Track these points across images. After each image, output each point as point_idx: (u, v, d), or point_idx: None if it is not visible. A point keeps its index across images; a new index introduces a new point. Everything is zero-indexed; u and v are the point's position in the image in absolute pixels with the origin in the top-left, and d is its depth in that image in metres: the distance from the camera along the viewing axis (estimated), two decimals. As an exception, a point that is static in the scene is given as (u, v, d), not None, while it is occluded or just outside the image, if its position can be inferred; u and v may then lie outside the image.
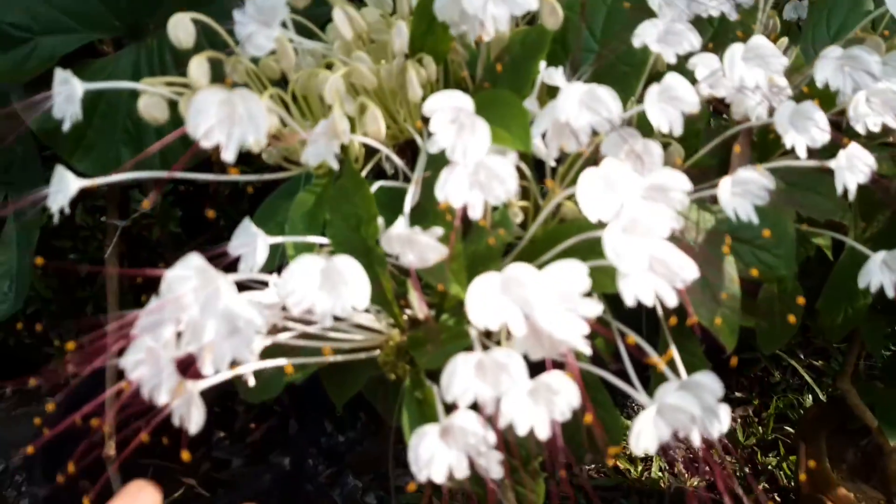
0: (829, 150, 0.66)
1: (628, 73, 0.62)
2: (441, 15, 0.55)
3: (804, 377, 1.82)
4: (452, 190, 0.49)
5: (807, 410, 1.74)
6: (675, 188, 0.49)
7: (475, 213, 0.51)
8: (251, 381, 0.57)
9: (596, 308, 0.45)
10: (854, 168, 0.59)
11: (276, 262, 0.60)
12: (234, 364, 0.56)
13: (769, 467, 1.69)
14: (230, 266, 0.52)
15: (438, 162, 0.54)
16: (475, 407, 0.47)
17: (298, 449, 1.00)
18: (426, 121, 0.61)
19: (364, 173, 0.64)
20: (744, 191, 0.54)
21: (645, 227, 0.48)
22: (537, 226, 0.61)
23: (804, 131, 0.57)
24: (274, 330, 0.59)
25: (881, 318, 1.09)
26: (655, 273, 0.47)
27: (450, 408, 0.49)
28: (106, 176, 0.52)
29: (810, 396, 1.83)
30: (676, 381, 0.53)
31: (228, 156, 0.46)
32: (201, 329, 0.44)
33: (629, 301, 0.47)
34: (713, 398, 0.52)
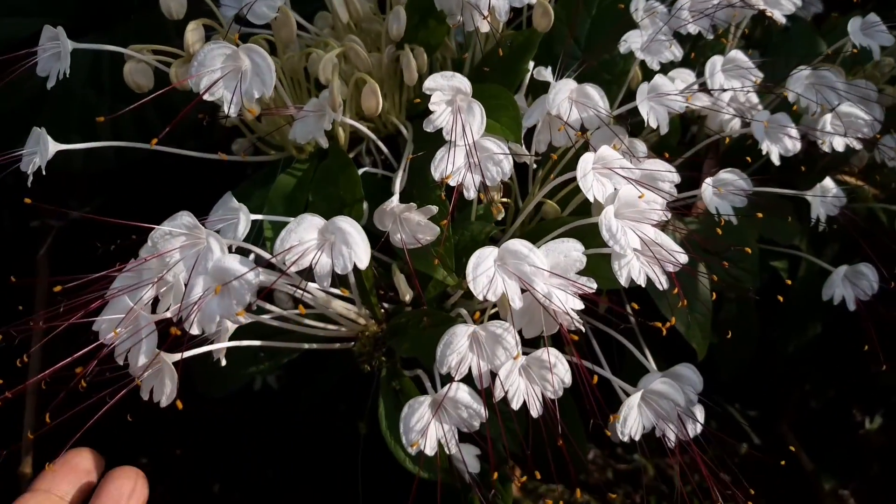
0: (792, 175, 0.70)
1: (610, 81, 0.64)
2: (440, 3, 0.56)
3: (740, 423, 1.86)
4: (449, 168, 0.49)
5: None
6: (666, 178, 0.51)
7: (469, 194, 0.50)
8: (223, 360, 0.54)
9: (590, 284, 0.45)
10: (827, 201, 0.62)
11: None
12: (208, 341, 0.54)
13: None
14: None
15: (423, 154, 0.54)
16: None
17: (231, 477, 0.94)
18: (416, 106, 0.62)
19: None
20: (724, 192, 0.55)
21: (638, 211, 0.48)
22: (519, 222, 0.61)
23: (778, 141, 0.60)
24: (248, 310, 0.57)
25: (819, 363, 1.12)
26: (647, 257, 0.48)
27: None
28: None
29: (745, 444, 1.86)
30: (656, 371, 0.54)
31: (232, 111, 0.44)
32: (190, 287, 0.42)
33: (623, 281, 0.47)
34: (693, 391, 0.53)
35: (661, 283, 0.47)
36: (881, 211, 0.83)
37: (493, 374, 0.44)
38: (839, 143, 0.63)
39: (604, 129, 0.56)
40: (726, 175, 0.56)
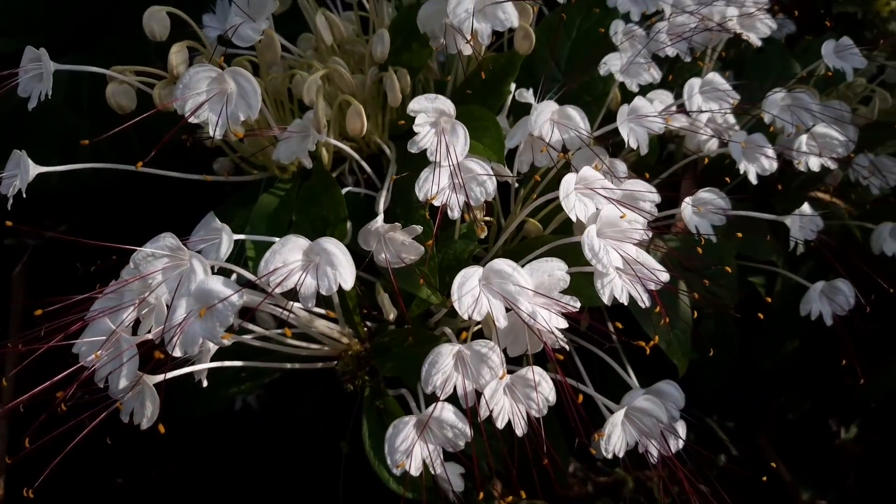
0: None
1: (590, 102, 0.65)
2: (423, 26, 0.57)
3: (718, 435, 1.87)
4: (434, 188, 0.50)
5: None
6: (646, 198, 0.51)
7: (454, 214, 0.51)
8: (204, 381, 0.54)
9: (574, 303, 0.46)
10: (804, 227, 0.64)
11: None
12: (189, 362, 0.54)
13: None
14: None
15: (407, 174, 0.54)
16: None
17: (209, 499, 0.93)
18: (398, 126, 0.62)
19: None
20: (703, 210, 0.56)
21: (619, 231, 0.49)
22: (502, 241, 0.62)
23: (754, 160, 0.61)
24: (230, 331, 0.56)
25: (796, 375, 1.14)
26: (629, 275, 0.48)
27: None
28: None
29: (723, 456, 1.87)
30: (639, 388, 0.54)
31: (217, 133, 0.44)
32: (173, 309, 0.42)
33: (605, 299, 0.47)
34: (675, 408, 0.54)
35: (643, 301, 0.48)
36: (856, 228, 0.85)
37: (478, 394, 0.45)
38: (815, 163, 0.64)
39: (585, 150, 0.57)
40: (705, 195, 0.57)
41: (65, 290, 0.49)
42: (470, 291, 0.44)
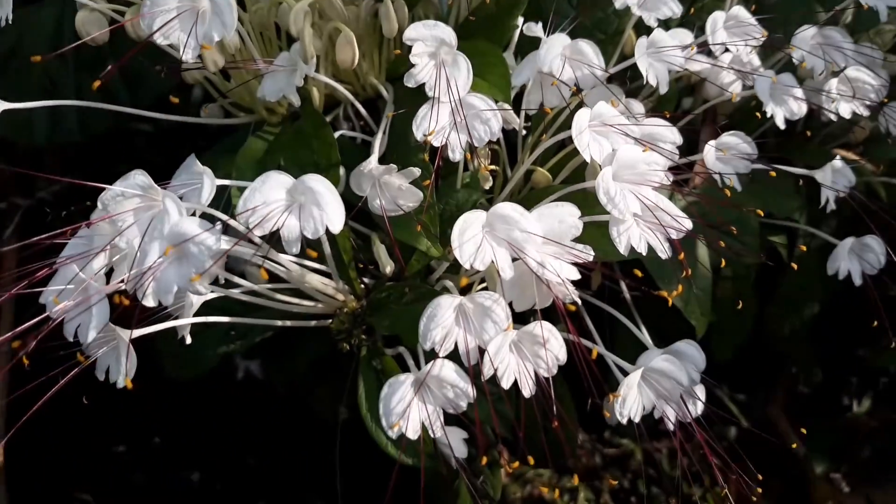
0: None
1: (604, 41, 0.60)
2: (422, -50, 0.52)
3: (729, 408, 1.84)
4: (433, 126, 0.45)
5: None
6: (667, 138, 0.47)
7: (455, 155, 0.46)
8: (188, 338, 0.50)
9: (588, 252, 0.41)
10: (837, 182, 0.59)
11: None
12: (170, 317, 0.50)
13: (693, 498, 1.68)
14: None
15: (405, 115, 0.50)
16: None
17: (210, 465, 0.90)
18: (397, 68, 0.57)
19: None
20: (728, 157, 0.52)
21: (637, 173, 0.44)
22: (508, 191, 0.57)
23: (782, 103, 0.56)
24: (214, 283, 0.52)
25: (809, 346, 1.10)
26: (648, 222, 0.44)
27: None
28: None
29: (734, 428, 1.85)
30: (655, 348, 0.50)
31: (188, 55, 0.40)
32: (143, 253, 0.38)
33: (622, 248, 0.43)
34: (695, 370, 0.50)
35: (664, 250, 0.43)
36: (880, 185, 0.80)
37: (482, 351, 0.41)
38: (845, 110, 0.59)
39: (599, 90, 0.52)
40: (729, 138, 0.53)
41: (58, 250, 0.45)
42: (472, 238, 0.40)
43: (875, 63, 0.64)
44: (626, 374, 0.47)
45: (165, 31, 0.39)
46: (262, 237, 0.38)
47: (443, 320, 0.40)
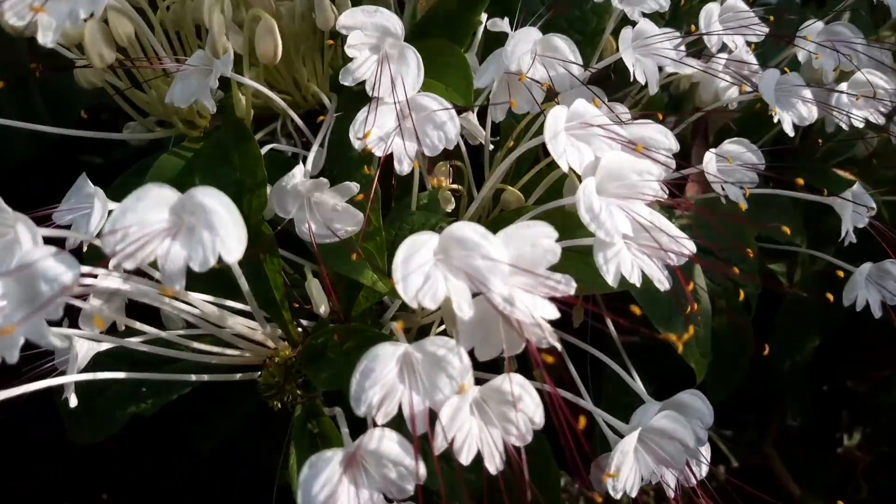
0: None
1: (581, 42, 0.52)
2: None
3: (718, 446, 1.75)
4: (374, 132, 0.36)
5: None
6: (660, 144, 0.39)
7: (403, 167, 0.37)
8: (72, 399, 0.40)
9: (569, 284, 0.33)
10: (857, 209, 0.51)
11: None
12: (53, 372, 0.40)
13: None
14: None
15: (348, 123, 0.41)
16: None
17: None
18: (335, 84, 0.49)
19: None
20: (731, 168, 0.43)
21: (627, 185, 0.36)
22: (472, 211, 0.48)
23: (790, 107, 0.48)
24: (113, 331, 0.43)
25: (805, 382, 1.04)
26: (641, 246, 0.35)
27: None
28: None
29: (723, 467, 1.76)
30: (654, 401, 0.41)
31: (47, 39, 0.31)
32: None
33: (610, 279, 0.34)
34: (701, 427, 0.41)
35: (662, 281, 0.35)
36: (882, 205, 0.72)
37: (434, 414, 0.31)
38: (859, 116, 0.51)
39: (578, 92, 0.44)
40: (731, 146, 0.44)
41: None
42: (419, 268, 0.31)
43: (883, 67, 0.57)
44: (620, 435, 0.38)
45: (18, 10, 0.31)
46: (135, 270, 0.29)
47: (382, 376, 0.30)
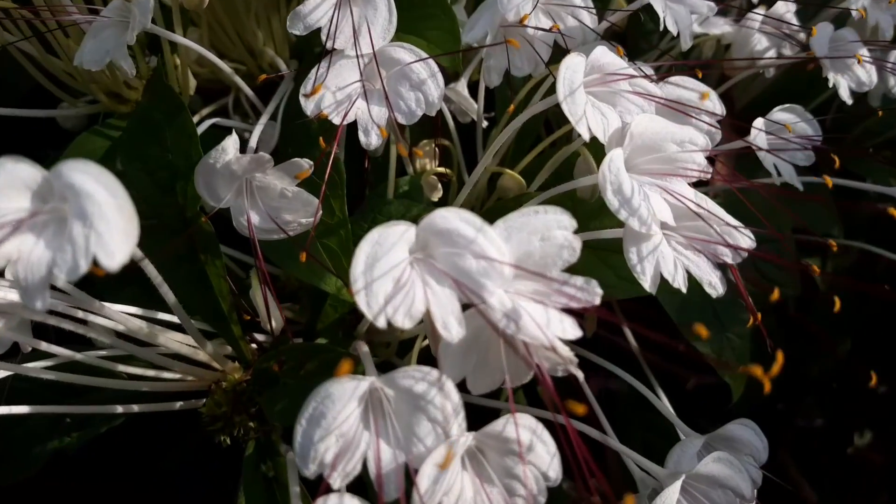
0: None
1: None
2: None
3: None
4: (331, 94, 0.28)
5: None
6: (705, 107, 0.30)
7: (369, 140, 0.29)
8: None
9: (593, 290, 0.24)
10: None
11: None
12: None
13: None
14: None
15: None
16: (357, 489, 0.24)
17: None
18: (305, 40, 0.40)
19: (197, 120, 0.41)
20: (781, 142, 0.35)
21: (664, 159, 0.27)
22: (462, 199, 0.40)
23: (845, 69, 0.39)
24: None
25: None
26: (686, 240, 0.27)
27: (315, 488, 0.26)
28: None
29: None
30: (696, 435, 0.33)
31: None
32: None
33: (647, 282, 0.26)
34: (754, 465, 0.32)
35: (715, 284, 0.26)
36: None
37: (411, 472, 0.23)
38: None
39: (592, 48, 0.35)
40: (783, 115, 0.36)
41: None
42: (389, 272, 0.22)
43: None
44: (657, 480, 0.30)
45: None
46: None
47: (338, 423, 0.22)
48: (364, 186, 0.41)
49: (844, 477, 1.17)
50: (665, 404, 0.38)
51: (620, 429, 0.36)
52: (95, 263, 0.19)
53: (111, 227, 0.19)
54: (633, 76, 0.27)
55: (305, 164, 0.27)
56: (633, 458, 0.31)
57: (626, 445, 0.31)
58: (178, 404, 0.37)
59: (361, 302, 0.22)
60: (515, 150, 0.43)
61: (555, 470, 0.24)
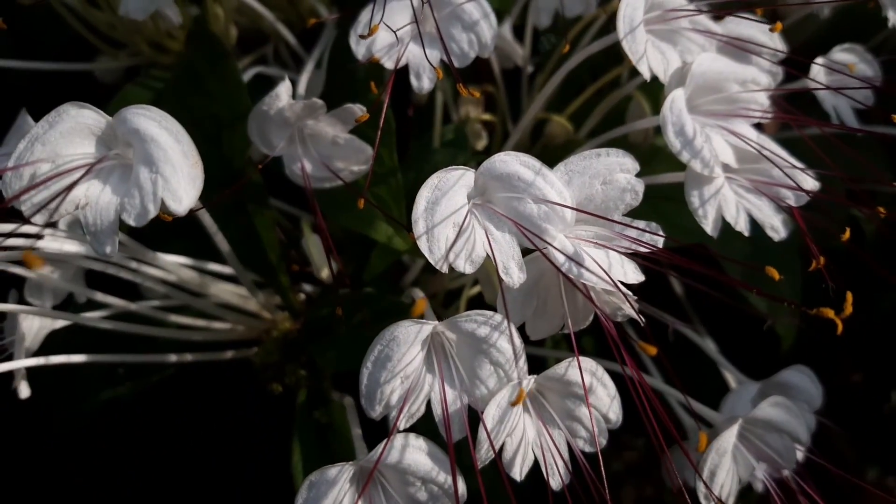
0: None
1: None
2: None
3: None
4: (385, 34, 0.27)
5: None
6: (766, 44, 0.29)
7: (423, 83, 0.28)
8: (22, 389, 0.32)
9: (656, 233, 0.24)
10: None
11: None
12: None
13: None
14: None
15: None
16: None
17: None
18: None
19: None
20: (842, 80, 0.34)
21: (725, 99, 0.27)
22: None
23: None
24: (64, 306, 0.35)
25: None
26: (749, 181, 0.26)
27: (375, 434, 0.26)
28: None
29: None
30: (751, 381, 0.33)
31: None
32: None
33: (709, 226, 0.25)
34: (809, 411, 0.32)
35: (777, 228, 0.26)
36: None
37: (475, 413, 0.23)
38: None
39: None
40: (843, 55, 0.35)
41: None
42: (450, 217, 0.22)
43: None
44: (709, 426, 0.30)
45: None
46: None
47: (402, 365, 0.22)
48: (408, 135, 0.41)
49: (881, 434, 1.16)
50: (716, 352, 0.38)
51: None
52: (163, 208, 0.19)
53: (177, 172, 0.19)
54: (693, 13, 0.26)
55: (359, 110, 0.27)
56: (690, 406, 0.30)
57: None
58: (230, 353, 0.38)
59: (424, 247, 0.22)
60: (561, 96, 0.42)
61: (615, 412, 0.24)
